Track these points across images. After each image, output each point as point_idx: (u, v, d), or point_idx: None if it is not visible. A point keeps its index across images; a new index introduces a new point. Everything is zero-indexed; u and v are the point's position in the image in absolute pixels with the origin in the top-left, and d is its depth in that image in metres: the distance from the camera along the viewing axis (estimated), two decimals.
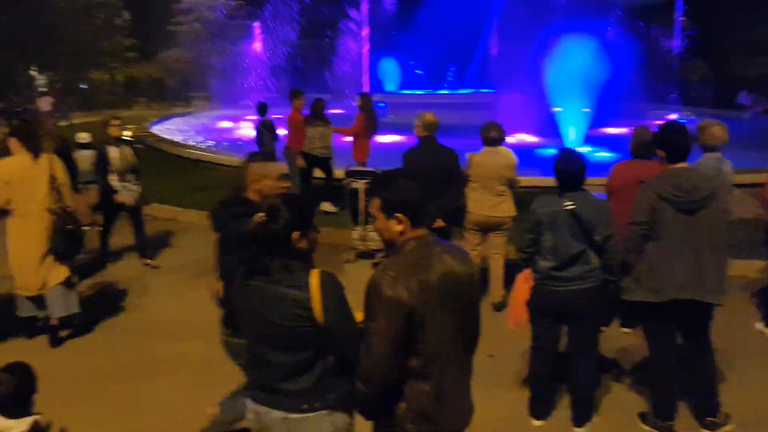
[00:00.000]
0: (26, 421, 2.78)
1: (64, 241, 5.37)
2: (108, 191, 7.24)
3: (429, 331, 2.40)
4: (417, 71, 32.05)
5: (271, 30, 33.97)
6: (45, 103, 21.56)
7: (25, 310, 5.56)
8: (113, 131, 7.34)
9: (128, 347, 5.54)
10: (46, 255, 5.36)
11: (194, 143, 16.99)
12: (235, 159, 11.97)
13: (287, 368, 2.52)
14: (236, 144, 16.22)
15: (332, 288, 2.50)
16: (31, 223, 5.31)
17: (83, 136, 8.81)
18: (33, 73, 37.18)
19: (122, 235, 7.82)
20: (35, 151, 5.38)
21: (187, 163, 13.72)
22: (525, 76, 14.50)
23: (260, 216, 2.48)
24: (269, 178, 3.42)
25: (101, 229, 7.53)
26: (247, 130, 17.75)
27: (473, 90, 26.67)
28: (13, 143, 5.39)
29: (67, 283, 5.52)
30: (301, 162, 9.61)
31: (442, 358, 2.46)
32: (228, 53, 32.91)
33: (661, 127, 4.21)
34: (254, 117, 12.53)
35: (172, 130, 20.47)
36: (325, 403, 2.54)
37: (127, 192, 7.30)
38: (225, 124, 22.17)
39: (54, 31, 31.33)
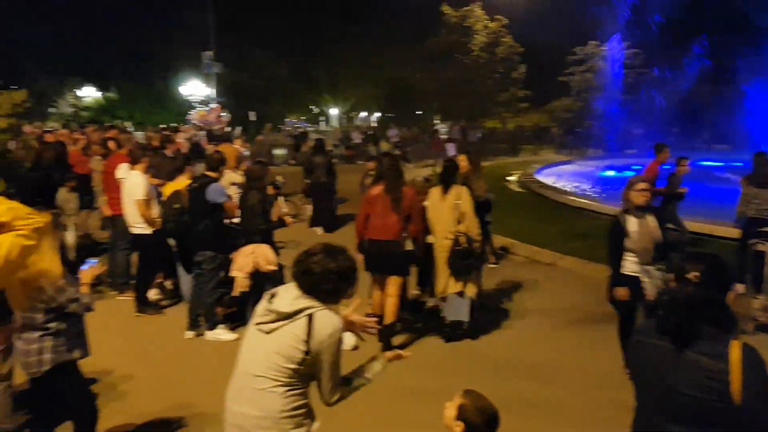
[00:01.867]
0: None
1: (460, 259, 6.37)
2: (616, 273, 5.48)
3: None
4: None
5: (666, 78, 32.46)
6: (450, 149, 24.18)
7: (446, 313, 6.68)
8: (636, 197, 5.45)
9: (491, 382, 5.75)
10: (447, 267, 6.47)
11: (576, 190, 17.08)
12: (617, 209, 11.66)
13: None
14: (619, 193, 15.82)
15: (756, 365, 2.20)
16: (437, 240, 6.54)
17: None
18: (436, 121, 42.14)
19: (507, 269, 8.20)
20: (447, 184, 6.60)
21: (569, 209, 13.82)
22: None
23: (695, 275, 2.31)
24: None
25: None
26: None
27: None
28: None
29: (460, 294, 6.55)
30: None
31: None
32: (618, 102, 32.46)
33: None
34: (640, 167, 12.09)
35: (555, 176, 20.94)
36: None
37: (648, 279, 5.32)
38: (609, 173, 21.81)
39: (459, 85, 35.01)
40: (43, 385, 3.91)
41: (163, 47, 44.08)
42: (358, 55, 46.19)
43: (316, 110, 55.98)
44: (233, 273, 6.60)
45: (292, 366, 2.81)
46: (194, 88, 40.51)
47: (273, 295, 2.94)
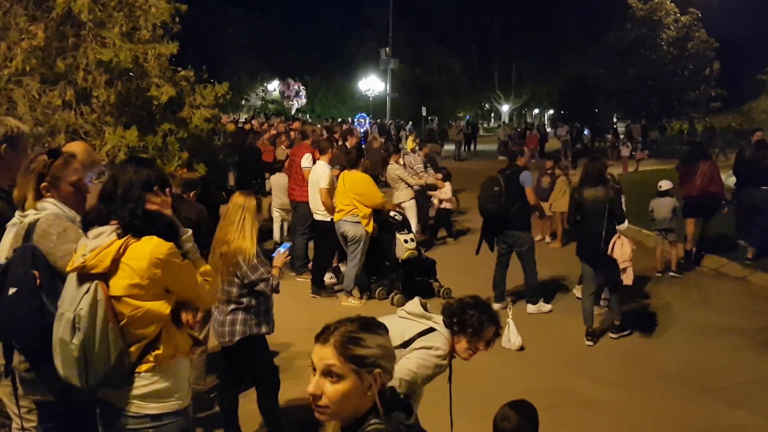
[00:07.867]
0: None
1: None
2: None
3: None
4: None
5: None
6: (624, 150, 23.09)
7: None
8: None
9: (673, 399, 5.38)
10: None
11: None
12: None
13: None
14: None
15: None
16: None
17: (664, 184, 8.77)
18: (614, 120, 40.04)
19: None
20: None
21: None
22: None
23: None
24: None
25: None
26: None
27: None
28: None
29: None
30: None
31: None
32: None
33: None
34: None
35: None
36: None
37: None
38: None
39: (642, 82, 33.00)
40: (232, 354, 4.27)
41: (345, 43, 46.15)
42: (536, 50, 45.14)
43: (486, 106, 55.62)
44: (623, 264, 6.43)
45: None
46: (371, 83, 42.00)
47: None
